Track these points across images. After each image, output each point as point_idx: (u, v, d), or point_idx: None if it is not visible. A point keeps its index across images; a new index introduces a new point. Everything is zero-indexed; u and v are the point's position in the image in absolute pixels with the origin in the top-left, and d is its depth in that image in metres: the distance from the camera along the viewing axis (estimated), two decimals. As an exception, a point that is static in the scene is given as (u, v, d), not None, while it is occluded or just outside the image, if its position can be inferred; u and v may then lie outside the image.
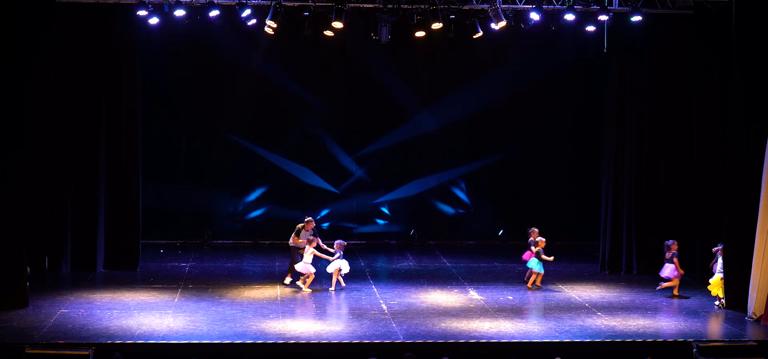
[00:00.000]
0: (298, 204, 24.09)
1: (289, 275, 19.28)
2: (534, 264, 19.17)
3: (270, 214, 24.20)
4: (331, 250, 18.89)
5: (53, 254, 19.57)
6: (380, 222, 24.74)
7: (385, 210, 24.75)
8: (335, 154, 24.43)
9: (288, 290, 18.82)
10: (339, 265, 18.80)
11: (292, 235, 19.17)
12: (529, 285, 19.18)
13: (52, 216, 19.57)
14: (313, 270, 18.77)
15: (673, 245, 18.73)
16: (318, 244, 18.88)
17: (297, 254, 19.02)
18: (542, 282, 19.35)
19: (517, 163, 24.68)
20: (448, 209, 24.89)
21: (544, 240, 19.35)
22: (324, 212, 24.16)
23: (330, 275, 18.90)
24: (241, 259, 21.99)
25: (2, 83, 17.01)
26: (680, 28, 20.45)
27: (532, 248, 19.35)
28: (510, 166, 24.69)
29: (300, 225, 19.13)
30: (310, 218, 19.30)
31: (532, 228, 19.65)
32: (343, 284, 18.89)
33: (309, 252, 18.73)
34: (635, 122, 20.90)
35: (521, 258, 19.83)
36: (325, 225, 23.78)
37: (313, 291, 18.71)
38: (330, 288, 18.81)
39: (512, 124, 24.53)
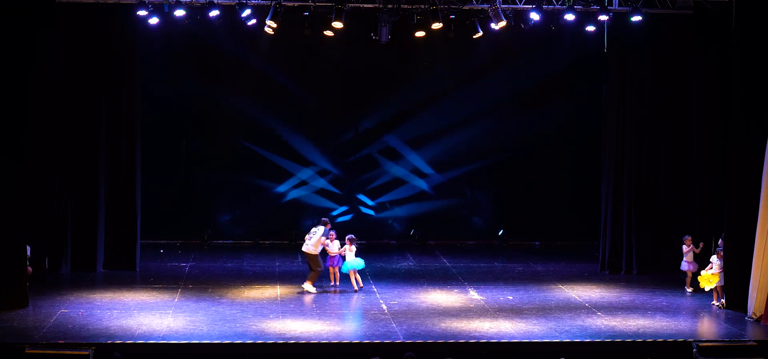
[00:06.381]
0: (298, 204, 24.10)
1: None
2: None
3: (270, 214, 24.18)
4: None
5: (53, 254, 19.57)
6: (380, 222, 24.71)
7: (385, 210, 24.72)
8: (335, 153, 24.42)
9: (288, 290, 18.81)
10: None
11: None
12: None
13: (52, 216, 19.57)
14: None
15: (686, 240, 18.85)
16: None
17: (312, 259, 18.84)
18: (536, 282, 19.07)
19: (517, 162, 24.67)
20: (448, 209, 24.87)
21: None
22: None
23: (345, 275, 18.93)
24: (241, 259, 21.97)
25: (2, 83, 17.00)
26: (680, 28, 20.44)
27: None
28: (510, 166, 24.69)
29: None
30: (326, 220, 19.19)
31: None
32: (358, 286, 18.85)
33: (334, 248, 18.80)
34: (635, 122, 20.88)
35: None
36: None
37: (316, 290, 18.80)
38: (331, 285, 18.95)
39: (512, 124, 24.52)
